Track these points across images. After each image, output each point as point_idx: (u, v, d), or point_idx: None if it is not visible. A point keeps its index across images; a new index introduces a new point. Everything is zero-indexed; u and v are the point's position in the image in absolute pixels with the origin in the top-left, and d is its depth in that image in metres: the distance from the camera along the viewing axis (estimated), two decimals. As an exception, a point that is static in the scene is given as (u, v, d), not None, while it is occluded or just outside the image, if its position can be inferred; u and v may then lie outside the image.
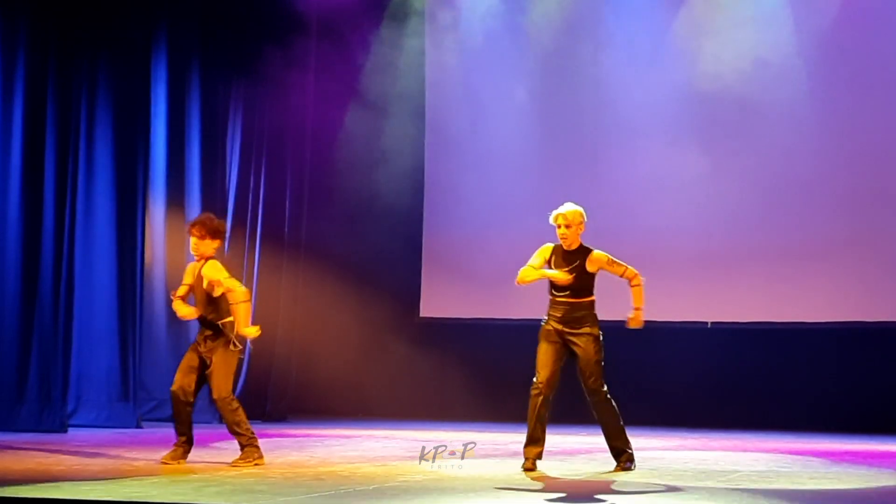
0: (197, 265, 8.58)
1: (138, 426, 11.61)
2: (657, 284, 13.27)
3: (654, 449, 10.32)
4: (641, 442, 10.97)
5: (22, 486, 7.01)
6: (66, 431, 10.85)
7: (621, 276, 8.47)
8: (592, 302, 8.42)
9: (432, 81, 14.13)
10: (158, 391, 12.81)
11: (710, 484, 7.78)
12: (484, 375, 13.31)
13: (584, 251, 8.35)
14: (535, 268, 8.27)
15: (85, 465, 8.34)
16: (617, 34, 13.56)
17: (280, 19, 13.40)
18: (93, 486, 7.14)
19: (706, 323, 13.29)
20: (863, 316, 12.82)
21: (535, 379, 8.27)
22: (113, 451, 9.21)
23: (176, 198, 12.92)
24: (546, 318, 8.37)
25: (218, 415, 12.89)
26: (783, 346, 13.19)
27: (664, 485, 7.68)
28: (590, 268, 8.33)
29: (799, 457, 9.78)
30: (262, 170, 13.74)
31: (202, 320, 8.50)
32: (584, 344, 8.29)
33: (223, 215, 13.30)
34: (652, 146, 13.37)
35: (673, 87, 13.34)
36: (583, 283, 8.32)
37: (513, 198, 13.35)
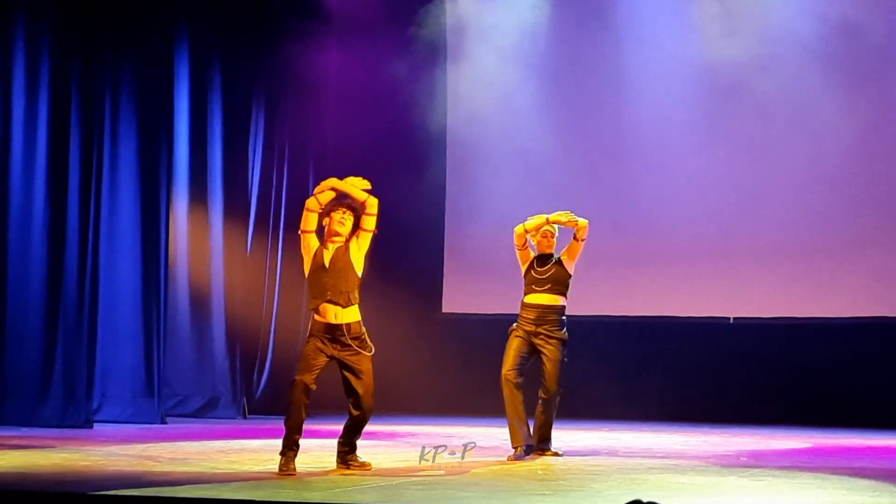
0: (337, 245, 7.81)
1: (162, 422, 11.65)
2: (680, 279, 13.37)
3: (676, 444, 10.32)
4: (664, 437, 11.00)
5: (48, 482, 7.06)
6: (91, 427, 10.89)
7: (577, 236, 9.05)
8: (564, 308, 9.05)
9: (453, 78, 14.14)
10: (182, 387, 12.89)
11: (732, 479, 7.78)
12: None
13: (550, 255, 9.10)
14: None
15: (110, 460, 8.38)
16: (637, 28, 13.55)
17: (301, 16, 13.44)
18: (118, 481, 7.18)
19: (728, 318, 13.27)
20: (887, 311, 12.78)
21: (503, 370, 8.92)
22: (138, 447, 9.26)
23: (199, 195, 12.98)
24: (516, 325, 8.99)
25: (243, 410, 13.02)
26: (806, 341, 13.16)
27: (687, 480, 7.68)
28: (564, 257, 9.01)
29: (822, 452, 9.76)
30: (285, 166, 13.79)
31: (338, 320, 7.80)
32: (551, 349, 8.92)
33: (246, 212, 13.37)
34: (674, 141, 13.35)
35: (695, 81, 13.32)
36: (562, 278, 8.98)
37: (533, 194, 13.34)
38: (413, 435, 10.95)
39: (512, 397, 8.86)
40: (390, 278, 13.99)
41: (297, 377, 7.76)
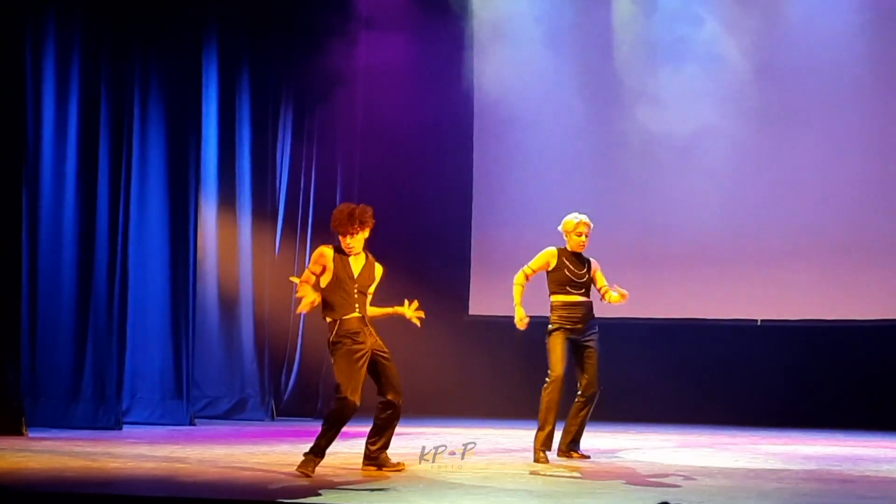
0: (358, 258, 7.85)
1: (191, 423, 11.72)
2: (707, 282, 13.36)
3: (703, 446, 10.31)
4: (691, 439, 10.99)
5: (78, 483, 7.12)
6: (120, 429, 10.96)
7: (599, 288, 9.11)
8: None
9: (481, 81, 14.16)
10: (211, 389, 12.96)
11: (760, 483, 7.77)
12: (532, 373, 13.32)
13: (586, 257, 9.07)
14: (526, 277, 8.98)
15: (139, 462, 8.43)
16: (670, 27, 13.54)
17: (329, 17, 13.48)
18: (147, 483, 7.24)
19: (756, 321, 13.24)
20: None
21: (550, 374, 8.76)
22: (167, 449, 9.31)
23: (227, 197, 13.05)
24: (555, 324, 8.86)
25: (272, 412, 13.06)
26: (834, 344, 13.13)
27: (714, 482, 7.68)
28: (594, 272, 9.09)
29: (849, 455, 9.73)
30: (313, 169, 13.84)
31: (364, 318, 7.88)
32: (595, 346, 8.94)
33: (275, 214, 13.42)
34: (702, 143, 13.33)
35: (723, 86, 13.30)
36: (590, 284, 9.03)
37: (561, 197, 13.35)
38: (439, 437, 10.96)
39: (560, 399, 8.75)
40: (416, 280, 14.00)
41: (351, 397, 7.55)
